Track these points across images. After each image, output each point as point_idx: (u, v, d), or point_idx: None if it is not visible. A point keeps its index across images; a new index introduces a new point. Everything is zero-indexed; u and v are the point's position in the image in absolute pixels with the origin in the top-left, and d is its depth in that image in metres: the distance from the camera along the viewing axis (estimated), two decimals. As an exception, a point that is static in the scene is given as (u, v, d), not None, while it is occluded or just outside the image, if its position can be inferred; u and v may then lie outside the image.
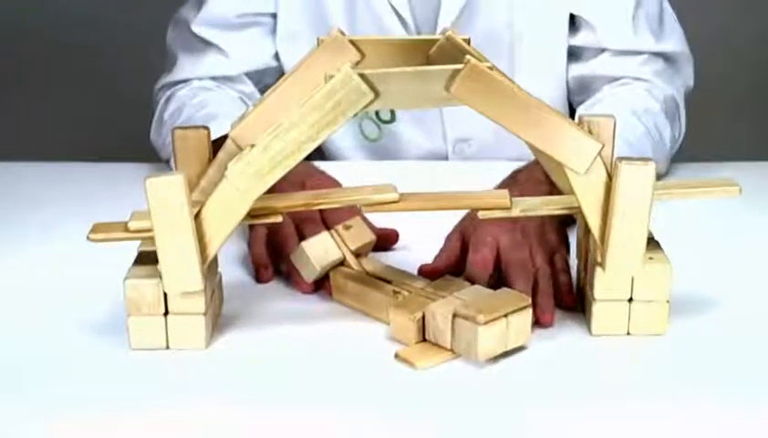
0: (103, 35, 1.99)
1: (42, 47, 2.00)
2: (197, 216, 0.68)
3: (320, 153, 1.22)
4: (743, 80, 1.84)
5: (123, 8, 1.97)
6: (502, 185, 0.86)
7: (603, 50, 1.13)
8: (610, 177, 0.69)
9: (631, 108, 1.04)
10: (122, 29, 1.98)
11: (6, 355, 0.71)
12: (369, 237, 0.79)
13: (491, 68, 0.65)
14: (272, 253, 0.83)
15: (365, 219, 0.81)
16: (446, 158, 1.21)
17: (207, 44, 1.17)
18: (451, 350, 0.69)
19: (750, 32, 1.87)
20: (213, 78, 1.16)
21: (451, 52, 0.70)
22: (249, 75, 1.16)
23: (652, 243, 0.73)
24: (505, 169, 0.89)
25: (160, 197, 0.66)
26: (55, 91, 2.02)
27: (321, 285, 0.79)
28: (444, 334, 0.69)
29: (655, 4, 1.13)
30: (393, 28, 1.13)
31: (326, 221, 0.83)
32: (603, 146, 0.68)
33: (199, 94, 1.12)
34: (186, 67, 1.17)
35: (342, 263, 0.78)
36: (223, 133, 0.76)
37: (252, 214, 0.69)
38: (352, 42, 0.73)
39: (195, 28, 1.15)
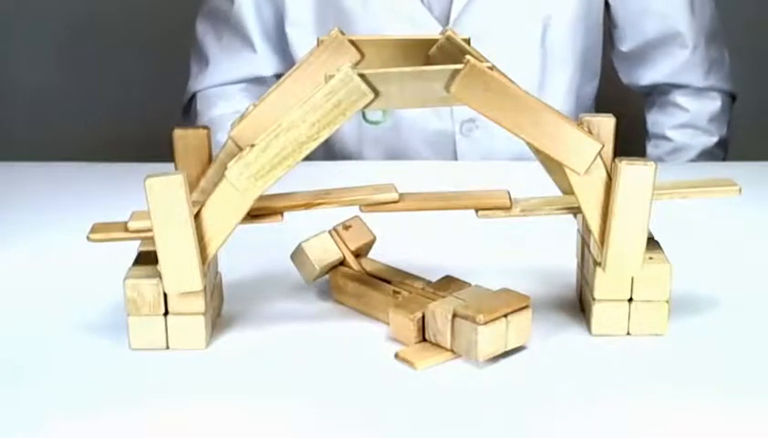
0: (105, 35, 2.00)
1: (41, 47, 2.00)
2: (197, 216, 0.68)
3: (325, 142, 1.23)
4: (743, 80, 1.84)
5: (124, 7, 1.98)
6: None
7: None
8: (610, 177, 0.69)
9: None
10: (126, 29, 1.98)
11: (6, 355, 0.71)
12: (369, 237, 0.79)
13: (491, 68, 0.65)
14: None
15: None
16: (453, 138, 1.20)
17: (243, 38, 1.18)
18: (451, 350, 0.69)
19: (749, 31, 1.87)
20: (248, 82, 1.18)
21: (451, 52, 0.70)
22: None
23: (652, 243, 0.73)
24: (506, 169, 0.89)
25: (160, 197, 0.66)
26: (56, 90, 2.02)
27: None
28: (444, 334, 0.69)
29: None
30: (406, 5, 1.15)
31: None
32: (603, 146, 0.68)
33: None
34: (222, 68, 1.18)
35: (342, 263, 0.78)
36: None
37: (252, 214, 0.69)
38: (352, 42, 0.73)
39: (232, 19, 1.17)
